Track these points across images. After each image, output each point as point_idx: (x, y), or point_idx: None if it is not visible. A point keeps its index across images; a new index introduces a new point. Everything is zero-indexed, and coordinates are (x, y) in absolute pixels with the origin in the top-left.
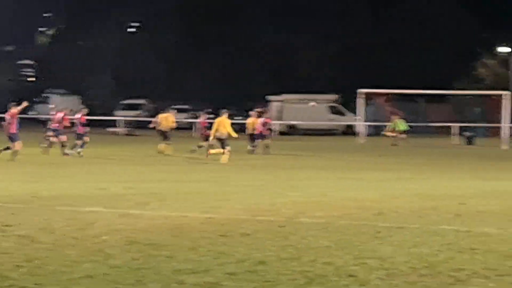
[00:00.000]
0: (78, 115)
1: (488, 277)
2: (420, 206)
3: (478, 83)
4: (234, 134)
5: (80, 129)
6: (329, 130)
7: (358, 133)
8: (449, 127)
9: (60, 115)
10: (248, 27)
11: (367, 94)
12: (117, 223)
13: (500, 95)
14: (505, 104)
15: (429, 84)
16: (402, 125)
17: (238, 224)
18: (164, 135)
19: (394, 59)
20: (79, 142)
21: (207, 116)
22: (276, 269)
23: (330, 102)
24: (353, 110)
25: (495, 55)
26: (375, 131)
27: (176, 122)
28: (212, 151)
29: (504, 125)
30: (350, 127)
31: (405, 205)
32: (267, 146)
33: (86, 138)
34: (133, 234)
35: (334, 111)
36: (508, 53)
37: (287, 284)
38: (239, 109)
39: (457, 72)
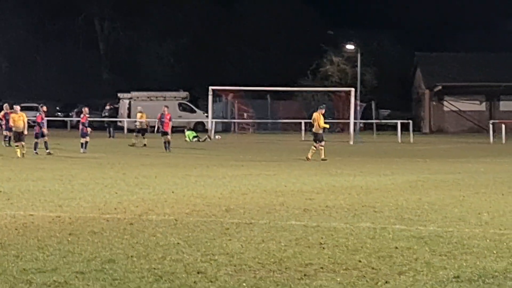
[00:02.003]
0: None
1: (335, 271)
2: (268, 202)
3: (325, 80)
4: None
5: None
6: (178, 127)
7: (208, 130)
8: (298, 123)
9: None
10: (92, 24)
11: (214, 91)
12: None
13: (347, 92)
14: (349, 100)
15: (277, 81)
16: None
17: (86, 222)
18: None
19: (242, 56)
20: None
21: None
22: (124, 267)
23: (179, 99)
24: (204, 107)
25: (342, 52)
26: (226, 128)
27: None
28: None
29: (351, 121)
30: (200, 124)
31: (253, 201)
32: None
33: None
34: None
35: (184, 108)
36: (354, 50)
37: (136, 282)
38: (90, 107)
39: (304, 69)
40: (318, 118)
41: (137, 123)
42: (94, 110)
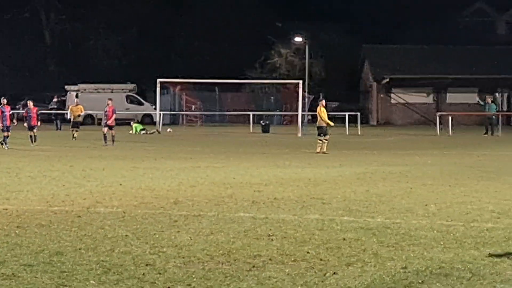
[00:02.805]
0: None
1: (284, 262)
2: (217, 194)
3: (274, 72)
4: None
5: None
6: (126, 119)
7: (156, 123)
8: (246, 115)
9: None
10: (38, 15)
11: (162, 83)
12: None
13: (295, 84)
14: (297, 92)
15: (225, 73)
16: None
17: (34, 215)
18: None
19: (190, 48)
20: None
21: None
22: (72, 259)
23: (126, 92)
24: (152, 99)
25: (290, 44)
26: (174, 120)
27: None
28: None
29: (298, 113)
30: (148, 116)
31: (202, 193)
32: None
33: None
34: None
35: (131, 100)
36: (301, 42)
37: (84, 275)
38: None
39: (253, 61)
40: (320, 112)
41: (69, 115)
42: (41, 102)
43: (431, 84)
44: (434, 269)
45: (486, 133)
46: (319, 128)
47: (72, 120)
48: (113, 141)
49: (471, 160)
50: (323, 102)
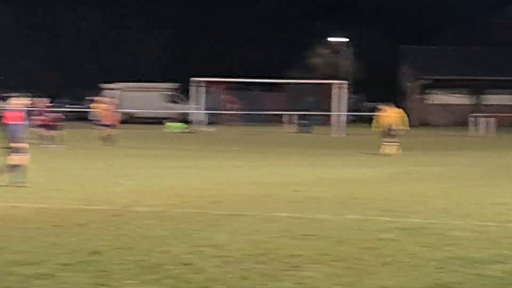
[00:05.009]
0: None
1: (321, 262)
2: (255, 194)
3: (312, 72)
4: None
5: None
6: (166, 118)
7: (194, 122)
8: (284, 115)
9: None
10: (76, 13)
11: (203, 82)
12: None
13: (335, 84)
14: (337, 92)
15: (263, 73)
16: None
17: (72, 214)
18: None
19: (230, 48)
20: None
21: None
22: (110, 259)
23: (167, 91)
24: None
25: (328, 44)
26: (212, 119)
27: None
28: None
29: (336, 113)
30: (188, 115)
31: (240, 193)
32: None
33: None
34: None
35: (171, 99)
36: (340, 42)
37: (122, 274)
38: (72, 97)
39: (291, 61)
40: (394, 116)
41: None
42: (78, 100)
43: (469, 86)
44: (468, 269)
45: None
46: (388, 130)
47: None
48: (107, 140)
49: (506, 162)
50: (390, 105)
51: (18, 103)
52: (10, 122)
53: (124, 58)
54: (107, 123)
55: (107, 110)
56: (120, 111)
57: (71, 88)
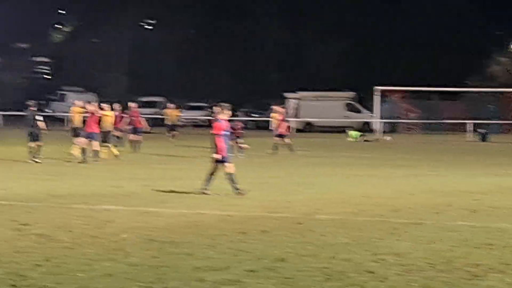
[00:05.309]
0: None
1: (505, 272)
2: (435, 202)
3: (491, 81)
4: None
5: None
6: (345, 127)
7: (375, 131)
8: (463, 124)
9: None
10: (258, 24)
11: (382, 91)
12: (134, 221)
13: None
14: None
15: (443, 82)
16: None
17: (256, 221)
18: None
19: (408, 56)
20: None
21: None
22: (295, 266)
23: (346, 100)
24: (370, 107)
25: (508, 52)
26: (391, 128)
27: (193, 119)
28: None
29: None
30: (367, 124)
31: (420, 201)
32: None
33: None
34: (151, 231)
35: (350, 108)
36: None
37: (306, 281)
38: (256, 107)
39: (471, 69)
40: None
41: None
42: (261, 110)
43: None
44: None
45: None
46: None
47: (170, 124)
48: (287, 149)
49: None
50: None
51: (225, 113)
52: (219, 132)
53: (305, 67)
54: (280, 132)
55: (280, 119)
56: (294, 120)
57: (254, 97)
